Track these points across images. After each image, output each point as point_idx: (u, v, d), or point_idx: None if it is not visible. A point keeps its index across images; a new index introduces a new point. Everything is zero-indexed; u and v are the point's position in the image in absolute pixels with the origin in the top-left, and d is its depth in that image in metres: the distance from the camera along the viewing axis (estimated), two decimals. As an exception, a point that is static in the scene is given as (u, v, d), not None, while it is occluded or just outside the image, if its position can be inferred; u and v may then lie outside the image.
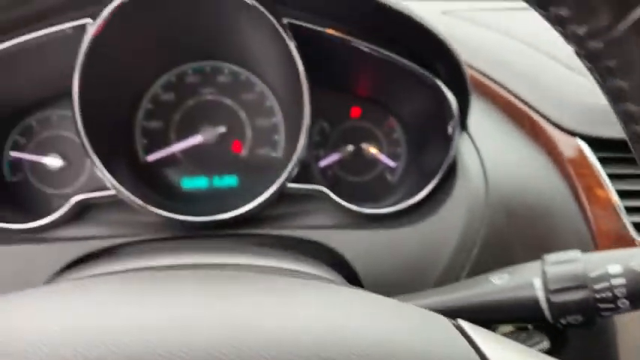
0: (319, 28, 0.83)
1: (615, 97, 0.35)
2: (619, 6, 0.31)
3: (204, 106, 1.02)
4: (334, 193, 0.95)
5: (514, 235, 0.87)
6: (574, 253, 0.63)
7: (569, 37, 0.36)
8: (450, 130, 0.87)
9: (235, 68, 1.01)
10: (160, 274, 0.47)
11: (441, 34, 0.77)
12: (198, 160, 1.02)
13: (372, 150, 1.05)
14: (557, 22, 0.35)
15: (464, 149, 0.91)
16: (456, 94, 0.85)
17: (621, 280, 0.58)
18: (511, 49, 1.09)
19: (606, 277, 0.58)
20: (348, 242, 0.87)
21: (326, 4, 0.77)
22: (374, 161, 1.06)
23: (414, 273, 0.87)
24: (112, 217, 0.92)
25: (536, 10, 0.38)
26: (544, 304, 0.59)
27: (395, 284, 0.87)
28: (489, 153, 0.91)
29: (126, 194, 0.84)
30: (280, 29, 0.80)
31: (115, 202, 0.90)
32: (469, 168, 0.89)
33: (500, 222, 0.87)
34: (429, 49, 0.81)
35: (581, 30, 0.34)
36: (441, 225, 0.87)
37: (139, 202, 0.84)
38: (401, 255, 0.86)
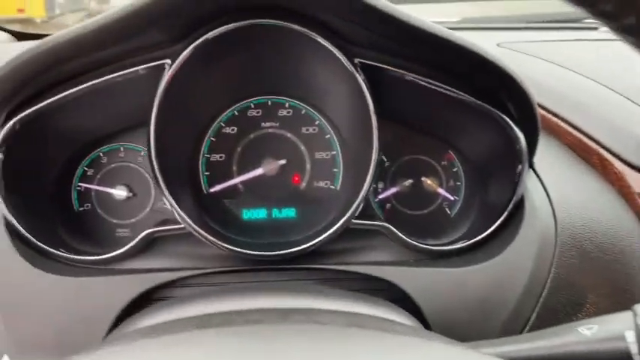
0: (389, 67, 0.84)
1: None
2: None
3: (265, 139, 1.03)
4: (392, 227, 0.95)
5: (586, 277, 0.84)
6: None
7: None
8: (518, 168, 0.86)
9: (296, 103, 1.03)
10: (255, 328, 0.47)
11: (513, 71, 0.76)
12: (259, 192, 1.04)
13: (431, 183, 1.04)
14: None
15: (530, 186, 0.90)
16: (525, 131, 0.84)
17: None
18: (573, 82, 1.08)
19: None
20: (412, 280, 0.87)
21: (397, 44, 0.78)
22: (433, 195, 1.06)
23: (481, 313, 0.85)
24: (178, 250, 0.94)
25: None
26: (637, 358, 0.57)
27: (460, 323, 0.85)
28: (557, 190, 0.89)
29: (196, 229, 0.85)
30: (352, 69, 0.81)
31: (180, 235, 0.92)
32: (536, 206, 0.87)
33: (571, 263, 0.84)
34: (499, 86, 0.81)
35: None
36: (509, 265, 0.85)
37: (210, 237, 0.85)
38: (467, 294, 0.85)
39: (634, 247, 0.86)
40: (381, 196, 1.05)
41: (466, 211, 1.04)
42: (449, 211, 1.06)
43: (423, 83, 0.84)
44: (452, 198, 1.05)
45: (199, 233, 0.85)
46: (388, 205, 1.06)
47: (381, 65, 0.83)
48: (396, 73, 0.84)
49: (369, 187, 0.87)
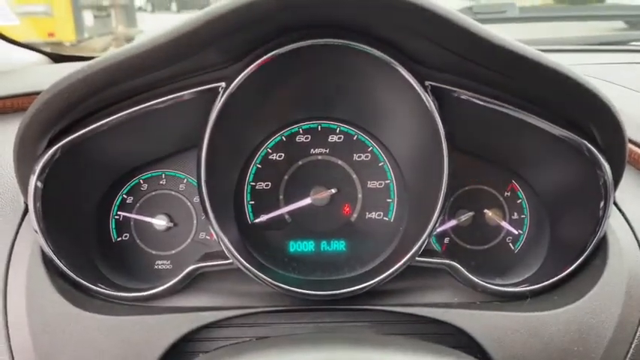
0: (462, 91, 0.77)
1: None
2: None
3: (313, 167, 0.97)
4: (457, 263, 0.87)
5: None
6: None
7: None
8: (601, 202, 0.77)
9: (347, 128, 0.96)
10: None
11: (608, 98, 0.69)
12: (306, 223, 0.97)
13: (494, 216, 0.96)
14: None
15: (612, 222, 0.81)
16: (610, 162, 0.76)
17: None
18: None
19: None
20: (482, 325, 0.78)
21: (476, 65, 0.71)
22: (495, 229, 0.97)
23: None
24: (223, 286, 0.87)
25: None
26: None
27: None
28: (643, 226, 0.81)
29: (245, 265, 0.78)
30: (422, 92, 0.74)
31: (224, 271, 0.85)
32: (622, 244, 0.79)
33: (665, 309, 0.75)
34: (590, 114, 0.73)
35: None
36: (593, 311, 0.76)
37: (259, 274, 0.78)
38: (544, 343, 0.76)
39: None
40: (439, 230, 0.97)
41: (532, 248, 0.95)
42: (513, 247, 0.97)
43: (496, 108, 0.77)
44: (516, 232, 0.97)
45: (247, 269, 0.79)
46: (447, 240, 0.98)
47: (453, 88, 0.77)
48: (468, 96, 0.77)
49: (436, 223, 0.79)
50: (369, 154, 0.97)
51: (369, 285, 0.80)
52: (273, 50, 0.72)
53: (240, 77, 0.74)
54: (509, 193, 0.97)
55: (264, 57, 0.72)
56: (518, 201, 0.97)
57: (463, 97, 0.77)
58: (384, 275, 0.80)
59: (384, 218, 0.97)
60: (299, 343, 0.62)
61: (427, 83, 0.76)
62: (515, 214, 0.97)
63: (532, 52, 0.66)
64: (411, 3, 0.61)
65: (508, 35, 0.67)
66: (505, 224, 0.96)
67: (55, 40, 6.51)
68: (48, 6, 6.59)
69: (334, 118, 0.96)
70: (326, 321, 0.84)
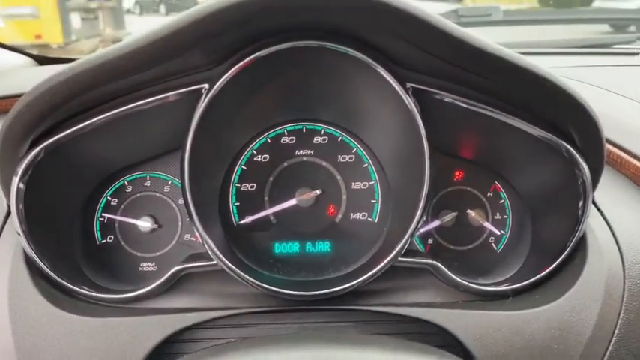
0: (442, 93, 0.78)
1: None
2: None
3: (298, 168, 0.97)
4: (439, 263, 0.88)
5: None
6: None
7: None
8: (580, 202, 0.78)
9: (332, 130, 0.97)
10: None
11: (584, 99, 0.70)
12: (292, 224, 0.97)
13: (477, 216, 0.97)
14: None
15: (591, 222, 0.82)
16: (589, 163, 0.77)
17: None
18: (627, 109, 1.01)
19: None
20: (465, 324, 0.79)
21: (456, 68, 0.72)
22: (478, 229, 0.98)
23: None
24: (207, 287, 0.87)
25: None
26: None
27: None
28: (622, 226, 0.82)
29: (229, 266, 0.79)
30: (403, 94, 0.75)
31: (209, 272, 0.85)
32: (601, 244, 0.80)
33: (643, 307, 0.76)
34: (567, 116, 0.74)
35: None
36: (572, 309, 0.77)
37: (243, 275, 0.79)
38: (526, 341, 0.77)
39: None
40: (422, 230, 0.98)
41: (515, 247, 0.96)
42: (495, 247, 0.98)
43: (477, 110, 0.78)
44: (498, 232, 0.98)
45: (232, 270, 0.79)
46: (430, 240, 0.99)
47: (434, 90, 0.77)
48: (449, 98, 0.78)
49: (418, 223, 0.80)
50: (353, 156, 0.98)
51: (352, 285, 0.81)
52: (254, 53, 0.73)
53: (222, 79, 0.74)
54: (491, 194, 0.98)
55: (246, 60, 0.73)
56: (501, 202, 0.98)
57: (445, 99, 0.78)
58: (367, 275, 0.80)
59: (369, 219, 0.98)
60: (280, 342, 0.63)
61: (408, 85, 0.76)
62: (498, 214, 0.98)
63: (510, 54, 0.67)
64: (386, 4, 0.61)
65: (490, 38, 0.68)
66: (488, 225, 0.98)
67: (42, 42, 6.46)
68: (34, 8, 6.54)
69: (319, 120, 0.97)
70: (310, 321, 0.85)
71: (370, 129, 0.92)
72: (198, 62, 0.75)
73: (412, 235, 0.81)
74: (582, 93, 0.72)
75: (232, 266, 0.79)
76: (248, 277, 0.79)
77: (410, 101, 0.76)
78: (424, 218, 0.98)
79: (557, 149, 0.78)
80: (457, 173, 0.98)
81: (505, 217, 0.98)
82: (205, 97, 0.75)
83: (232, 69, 0.73)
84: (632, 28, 2.17)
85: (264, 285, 0.80)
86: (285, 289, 0.80)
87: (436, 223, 0.98)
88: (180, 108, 0.78)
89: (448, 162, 0.96)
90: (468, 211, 0.98)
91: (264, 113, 0.91)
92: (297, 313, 0.85)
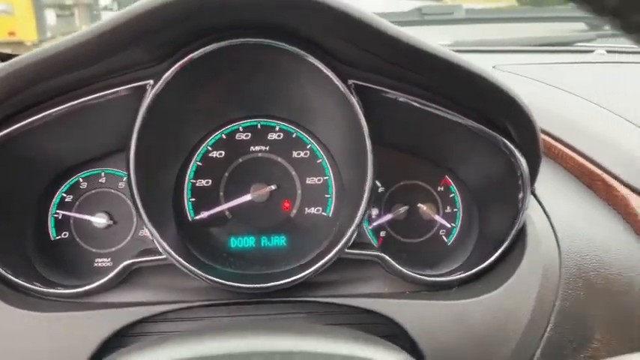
0: (384, 89, 0.80)
1: None
2: None
3: (254, 164, 0.99)
4: (387, 255, 0.91)
5: (593, 311, 0.79)
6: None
7: None
8: (520, 195, 0.81)
9: (286, 126, 0.99)
10: None
11: (517, 95, 0.73)
12: (247, 219, 0.99)
13: (428, 210, 1.00)
14: None
15: (532, 214, 0.85)
16: (527, 156, 0.80)
17: None
18: (572, 105, 1.05)
19: None
20: (409, 313, 0.81)
21: (393, 65, 0.74)
22: (429, 222, 1.01)
23: (481, 349, 0.80)
24: (160, 282, 0.88)
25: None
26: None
27: (461, 359, 0.80)
28: (560, 218, 0.85)
29: (178, 259, 0.80)
30: (345, 90, 0.77)
31: (162, 266, 0.86)
32: (539, 234, 0.83)
33: (577, 295, 0.80)
34: (502, 111, 0.77)
35: None
36: (511, 298, 0.80)
37: (193, 269, 0.80)
38: (468, 329, 0.80)
39: (641, 277, 0.82)
40: (375, 224, 1.01)
41: (465, 240, 0.99)
42: (446, 240, 1.01)
43: (419, 106, 0.80)
44: (449, 225, 1.01)
45: (182, 264, 0.80)
46: (383, 233, 1.01)
47: (376, 87, 0.79)
48: (392, 95, 0.80)
49: (363, 215, 0.82)
50: (308, 152, 0.99)
51: (302, 277, 0.83)
52: (198, 49, 0.74)
53: (165, 76, 0.75)
54: (442, 188, 1.01)
55: (185, 59, 0.74)
56: (451, 195, 1.01)
57: (388, 96, 0.80)
58: (315, 267, 0.82)
59: (323, 213, 0.99)
60: (216, 333, 0.64)
61: (350, 82, 0.78)
62: (449, 207, 1.01)
63: (444, 51, 0.70)
64: (319, 3, 0.63)
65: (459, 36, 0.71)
66: (438, 218, 1.00)
67: (16, 39, 6.36)
68: (8, 5, 6.43)
69: (274, 116, 0.99)
70: (262, 314, 0.86)
71: (321, 126, 0.94)
72: (142, 59, 0.76)
73: (357, 228, 0.83)
74: (523, 89, 0.74)
75: (181, 260, 0.80)
76: (196, 270, 0.80)
77: (352, 97, 0.78)
78: (376, 212, 1.01)
79: (496, 143, 0.81)
80: (409, 168, 1.00)
81: (455, 210, 1.01)
82: (150, 93, 0.76)
83: (174, 66, 0.74)
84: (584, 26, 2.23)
85: (213, 278, 0.81)
86: (235, 282, 0.82)
87: (388, 216, 1.00)
88: (128, 104, 0.79)
89: (400, 157, 0.99)
90: (419, 204, 1.00)
91: (216, 110, 0.92)
92: (248, 305, 0.86)
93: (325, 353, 0.60)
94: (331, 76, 0.76)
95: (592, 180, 0.90)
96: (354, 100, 0.78)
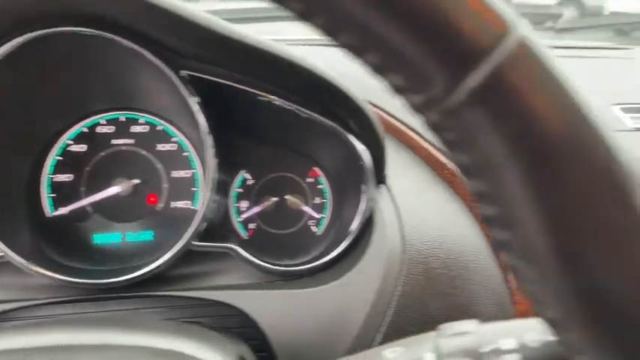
0: (221, 81, 0.80)
1: (461, 171, 0.32)
2: (451, 75, 0.27)
3: (118, 158, 0.97)
4: (256, 247, 0.91)
5: (432, 295, 0.82)
6: (469, 324, 0.58)
7: (410, 107, 0.33)
8: (363, 186, 0.83)
9: (151, 119, 0.97)
10: None
11: (345, 86, 0.74)
12: (111, 214, 0.97)
13: (295, 201, 1.01)
14: (397, 91, 0.32)
15: (382, 203, 0.87)
16: (369, 147, 0.82)
17: (515, 357, 0.53)
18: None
19: (498, 352, 0.53)
20: (257, 303, 0.82)
21: (226, 57, 0.74)
22: (298, 213, 1.02)
23: (328, 335, 0.81)
24: (4, 280, 0.85)
25: (376, 76, 0.35)
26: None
27: (307, 347, 0.81)
28: (407, 206, 0.87)
29: (12, 257, 0.78)
30: (177, 81, 0.77)
31: (8, 263, 0.84)
32: (386, 223, 0.85)
33: (418, 281, 0.82)
34: (335, 103, 0.78)
35: (418, 100, 0.31)
36: (356, 285, 0.82)
37: (30, 266, 0.78)
38: (313, 316, 0.81)
39: (478, 262, 0.85)
40: (244, 216, 1.01)
41: (331, 230, 1.01)
42: (316, 230, 1.02)
43: (261, 99, 0.81)
44: (317, 216, 1.02)
45: (17, 262, 0.78)
46: (252, 225, 1.01)
47: (212, 79, 0.79)
48: (233, 87, 0.80)
49: (206, 207, 0.82)
50: (174, 144, 0.98)
51: (150, 271, 0.82)
52: (16, 38, 0.72)
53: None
54: (311, 179, 1.02)
55: (11, 42, 0.72)
56: (320, 186, 1.02)
57: (229, 87, 0.80)
58: (162, 260, 0.82)
59: (190, 207, 0.99)
60: (46, 328, 0.63)
61: (183, 73, 0.78)
62: (318, 198, 1.02)
63: (266, 43, 0.70)
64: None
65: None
66: (307, 208, 1.01)
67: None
68: None
69: (138, 109, 0.97)
70: (113, 309, 0.85)
71: (179, 118, 0.94)
72: None
73: (204, 220, 0.83)
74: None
75: (18, 258, 0.78)
76: (33, 267, 0.78)
77: (184, 89, 0.77)
78: (246, 204, 1.01)
79: (339, 135, 0.82)
80: (278, 160, 1.01)
81: (324, 200, 1.02)
82: None
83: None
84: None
85: (57, 276, 0.80)
86: (75, 279, 0.80)
87: (257, 209, 1.01)
88: None
89: (269, 149, 0.99)
90: (287, 196, 1.01)
91: (72, 99, 0.89)
92: (98, 302, 0.85)
93: (132, 346, 0.60)
94: (162, 67, 0.75)
95: (439, 167, 0.93)
96: (186, 91, 0.77)
